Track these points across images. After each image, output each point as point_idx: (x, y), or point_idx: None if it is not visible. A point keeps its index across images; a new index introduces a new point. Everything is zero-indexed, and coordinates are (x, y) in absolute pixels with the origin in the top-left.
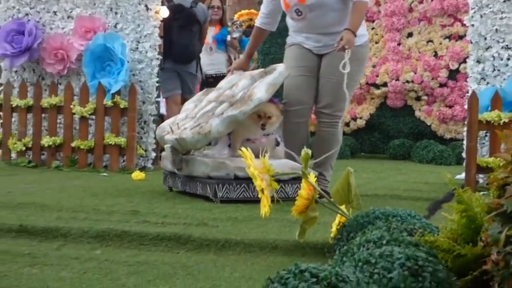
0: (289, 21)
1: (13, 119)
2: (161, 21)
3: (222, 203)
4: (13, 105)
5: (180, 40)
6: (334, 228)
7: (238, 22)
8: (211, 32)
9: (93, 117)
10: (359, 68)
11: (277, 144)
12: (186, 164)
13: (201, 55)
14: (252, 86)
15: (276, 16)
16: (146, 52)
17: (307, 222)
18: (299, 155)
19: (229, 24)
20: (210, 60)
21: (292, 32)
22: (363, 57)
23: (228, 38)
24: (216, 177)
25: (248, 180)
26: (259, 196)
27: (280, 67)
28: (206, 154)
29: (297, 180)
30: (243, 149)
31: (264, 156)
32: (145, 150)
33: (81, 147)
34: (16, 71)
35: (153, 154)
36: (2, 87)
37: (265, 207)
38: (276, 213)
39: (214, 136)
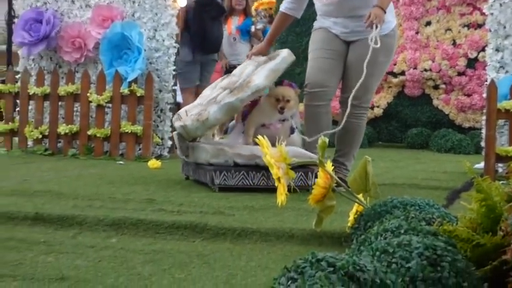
0: (317, 4)
1: (30, 107)
2: (186, 10)
3: (237, 192)
4: (30, 93)
5: (213, 31)
6: (351, 217)
7: (262, 13)
8: (235, 22)
9: (110, 105)
10: (387, 58)
11: (292, 131)
12: (192, 151)
13: (224, 45)
14: (253, 73)
15: (302, 2)
16: (163, 41)
17: (324, 211)
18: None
19: (253, 14)
20: (233, 50)
21: (320, 16)
22: (391, 47)
23: (252, 28)
24: (216, 164)
25: (248, 167)
26: (276, 185)
27: (284, 52)
28: (221, 142)
29: (300, 168)
30: (259, 136)
31: (280, 144)
32: (162, 139)
33: (98, 135)
34: (33, 59)
35: (169, 142)
36: (19, 75)
37: (281, 195)
38: (293, 202)
39: (212, 123)
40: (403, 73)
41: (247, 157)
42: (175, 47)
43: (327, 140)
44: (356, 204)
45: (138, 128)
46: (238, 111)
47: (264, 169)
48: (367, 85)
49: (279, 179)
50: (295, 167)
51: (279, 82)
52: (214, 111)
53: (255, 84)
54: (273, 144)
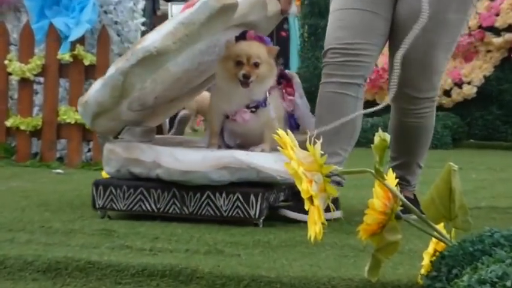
0: None
1: None
2: None
3: (232, 222)
4: None
5: None
6: (426, 261)
7: None
8: None
9: (41, 79)
10: (461, 14)
11: (296, 126)
12: None
13: None
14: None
15: None
16: None
17: (383, 251)
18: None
19: None
20: None
21: None
22: None
23: None
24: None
25: (153, 182)
26: (306, 208)
27: None
28: (194, 142)
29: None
30: (281, 132)
31: (314, 144)
32: None
33: (22, 127)
34: None
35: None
36: None
37: (316, 225)
38: (332, 235)
39: (95, 109)
40: (510, 29)
41: (150, 165)
42: None
43: (387, 137)
44: (434, 239)
45: None
46: (126, 89)
47: (174, 185)
48: (431, 62)
49: (311, 198)
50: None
51: (241, 35)
52: (96, 90)
53: (143, 46)
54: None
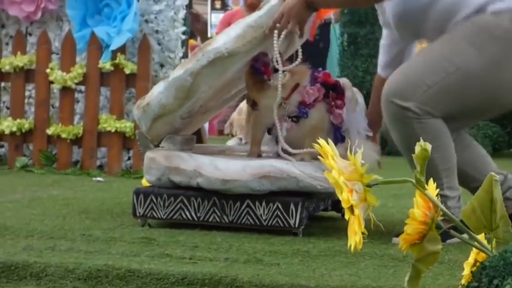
0: None
1: None
2: None
3: (271, 231)
4: None
5: None
6: (467, 271)
7: None
8: None
9: (82, 88)
10: (488, 70)
11: (341, 139)
12: None
13: None
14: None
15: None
16: None
17: (423, 261)
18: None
19: None
20: None
21: None
22: (498, 51)
23: None
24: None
25: (194, 191)
26: (347, 217)
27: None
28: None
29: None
30: (322, 142)
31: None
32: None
33: (63, 135)
34: None
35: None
36: None
37: (356, 235)
38: (372, 244)
39: (157, 111)
40: None
41: (190, 174)
42: None
43: (428, 147)
44: (474, 250)
45: (127, 125)
46: (193, 90)
47: (214, 194)
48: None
49: (351, 208)
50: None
51: None
52: (159, 92)
53: (214, 48)
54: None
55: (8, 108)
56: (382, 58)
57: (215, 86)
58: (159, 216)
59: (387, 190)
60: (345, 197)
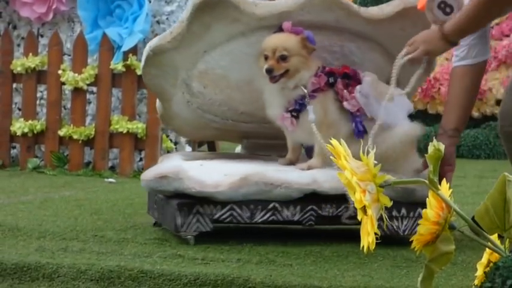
0: None
1: None
2: None
3: (292, 228)
4: None
5: None
6: (480, 272)
7: None
8: None
9: (94, 89)
10: None
11: (359, 133)
12: None
13: None
14: None
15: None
16: None
17: (436, 261)
18: None
19: None
20: None
21: None
22: None
23: None
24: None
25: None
26: (359, 218)
27: None
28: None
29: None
30: (334, 142)
31: (368, 153)
32: (176, 143)
33: (75, 137)
34: None
35: (188, 148)
36: None
37: (369, 236)
38: (384, 245)
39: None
40: None
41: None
42: None
43: (442, 147)
44: (488, 250)
45: (138, 126)
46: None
47: None
48: None
49: (363, 208)
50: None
51: (278, 28)
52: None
53: (146, 48)
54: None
55: (19, 109)
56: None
57: (221, 88)
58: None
59: None
60: (358, 198)
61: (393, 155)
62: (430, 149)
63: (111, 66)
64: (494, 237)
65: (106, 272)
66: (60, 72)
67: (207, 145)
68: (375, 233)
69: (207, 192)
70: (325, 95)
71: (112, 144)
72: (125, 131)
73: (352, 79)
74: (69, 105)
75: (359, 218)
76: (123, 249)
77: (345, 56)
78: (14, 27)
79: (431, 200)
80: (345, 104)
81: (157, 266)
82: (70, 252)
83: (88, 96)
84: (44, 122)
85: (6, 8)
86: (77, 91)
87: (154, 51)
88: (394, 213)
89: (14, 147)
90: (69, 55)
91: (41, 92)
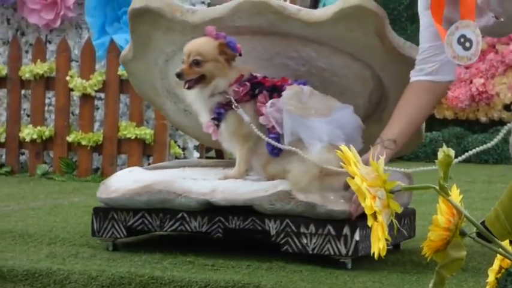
0: None
1: None
2: None
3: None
4: None
5: None
6: (491, 278)
7: None
8: None
9: (102, 95)
10: None
11: (274, 152)
12: None
13: None
14: None
15: None
16: None
17: (446, 267)
18: None
19: None
20: None
21: None
22: None
23: None
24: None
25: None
26: (370, 224)
27: None
28: None
29: None
30: (343, 147)
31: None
32: (184, 149)
33: (83, 143)
34: None
35: (196, 154)
36: None
37: (380, 241)
38: (395, 251)
39: None
40: None
41: None
42: (204, 2)
43: (451, 152)
44: (499, 256)
45: (146, 132)
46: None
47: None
48: None
49: (374, 214)
50: None
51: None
52: None
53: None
54: None
55: (28, 115)
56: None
57: None
58: None
59: None
60: (368, 204)
61: (303, 180)
62: (440, 154)
63: (119, 73)
64: (505, 244)
65: (117, 278)
66: (68, 78)
67: (215, 151)
68: (386, 239)
69: (103, 198)
70: (244, 106)
71: (120, 150)
72: (133, 137)
73: (279, 92)
74: (77, 112)
75: (369, 224)
76: (133, 256)
77: (308, 62)
78: (22, 34)
79: (441, 206)
80: (260, 118)
81: (167, 272)
82: (81, 258)
83: (96, 102)
84: (52, 128)
85: (14, 15)
86: (85, 97)
87: (122, 61)
88: (302, 229)
89: (23, 154)
90: (77, 61)
91: (49, 98)
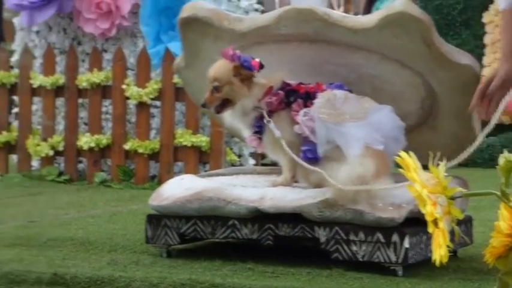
0: None
1: (34, 107)
2: None
3: None
4: (34, 86)
5: None
6: None
7: None
8: None
9: (158, 103)
10: None
11: (310, 157)
12: None
13: None
14: None
15: None
16: (239, 0)
17: (509, 274)
18: None
19: None
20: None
21: None
22: None
23: None
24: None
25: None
26: (431, 231)
27: None
28: None
29: None
30: (403, 154)
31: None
32: (239, 156)
33: (140, 150)
34: (38, 32)
35: (251, 161)
36: (15, 57)
37: (441, 248)
38: (454, 258)
39: None
40: None
41: None
42: (257, 9)
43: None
44: None
45: (202, 139)
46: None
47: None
48: None
49: (435, 221)
50: None
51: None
52: None
53: None
54: None
55: (85, 124)
56: None
57: None
58: None
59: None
60: (429, 210)
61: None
62: (501, 160)
63: (174, 81)
64: None
65: (178, 285)
66: (124, 87)
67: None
68: (447, 246)
69: (155, 205)
70: (279, 115)
71: (177, 157)
72: (189, 145)
73: (313, 99)
74: (133, 120)
75: (430, 231)
76: (193, 263)
77: (357, 69)
78: (79, 43)
79: (503, 212)
80: (295, 127)
81: (228, 279)
82: (141, 265)
83: (152, 110)
84: (109, 136)
85: (71, 25)
86: (141, 105)
87: (175, 69)
88: (352, 237)
89: (81, 162)
90: (133, 70)
91: (106, 106)
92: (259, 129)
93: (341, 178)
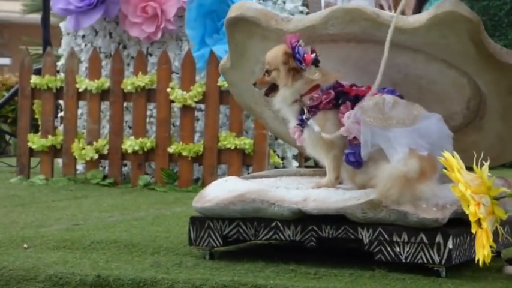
0: None
1: (80, 111)
2: None
3: None
4: (79, 90)
5: None
6: None
7: None
8: None
9: (202, 106)
10: None
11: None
12: None
13: None
14: None
15: None
16: (284, 3)
17: None
18: None
19: None
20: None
21: None
22: None
23: None
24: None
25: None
26: (474, 231)
27: None
28: None
29: None
30: (447, 154)
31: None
32: (283, 158)
33: (184, 153)
34: (83, 36)
35: (295, 163)
36: (62, 62)
37: (484, 248)
38: (497, 259)
39: None
40: None
41: None
42: (302, 11)
43: None
44: None
45: (246, 142)
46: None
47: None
48: None
49: (478, 221)
50: None
51: None
52: None
53: None
54: None
55: (130, 127)
56: None
57: None
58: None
59: None
60: (472, 210)
61: (391, 190)
62: None
63: (219, 84)
64: None
65: (220, 287)
66: (169, 90)
67: (314, 160)
68: (490, 246)
69: (198, 207)
70: (325, 114)
71: (220, 160)
72: (232, 147)
73: (355, 100)
74: (178, 123)
75: (473, 231)
76: (236, 264)
77: (403, 69)
78: (124, 47)
79: None
80: (341, 129)
81: (270, 280)
82: (184, 267)
83: (196, 113)
84: (154, 139)
85: (116, 29)
86: (186, 108)
87: (221, 70)
88: (395, 238)
89: (125, 165)
90: (178, 73)
91: (151, 110)
92: (301, 123)
93: (384, 177)
